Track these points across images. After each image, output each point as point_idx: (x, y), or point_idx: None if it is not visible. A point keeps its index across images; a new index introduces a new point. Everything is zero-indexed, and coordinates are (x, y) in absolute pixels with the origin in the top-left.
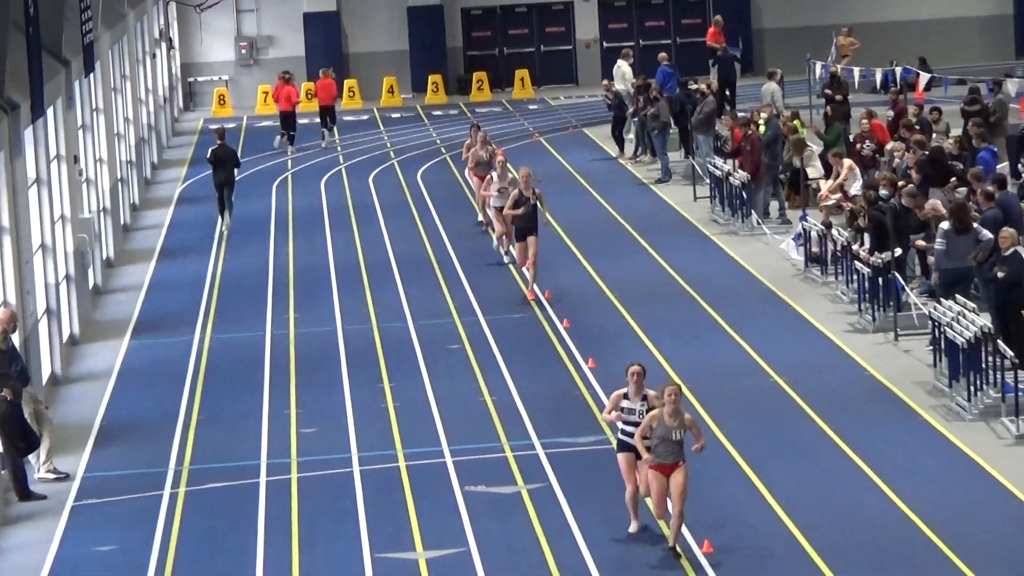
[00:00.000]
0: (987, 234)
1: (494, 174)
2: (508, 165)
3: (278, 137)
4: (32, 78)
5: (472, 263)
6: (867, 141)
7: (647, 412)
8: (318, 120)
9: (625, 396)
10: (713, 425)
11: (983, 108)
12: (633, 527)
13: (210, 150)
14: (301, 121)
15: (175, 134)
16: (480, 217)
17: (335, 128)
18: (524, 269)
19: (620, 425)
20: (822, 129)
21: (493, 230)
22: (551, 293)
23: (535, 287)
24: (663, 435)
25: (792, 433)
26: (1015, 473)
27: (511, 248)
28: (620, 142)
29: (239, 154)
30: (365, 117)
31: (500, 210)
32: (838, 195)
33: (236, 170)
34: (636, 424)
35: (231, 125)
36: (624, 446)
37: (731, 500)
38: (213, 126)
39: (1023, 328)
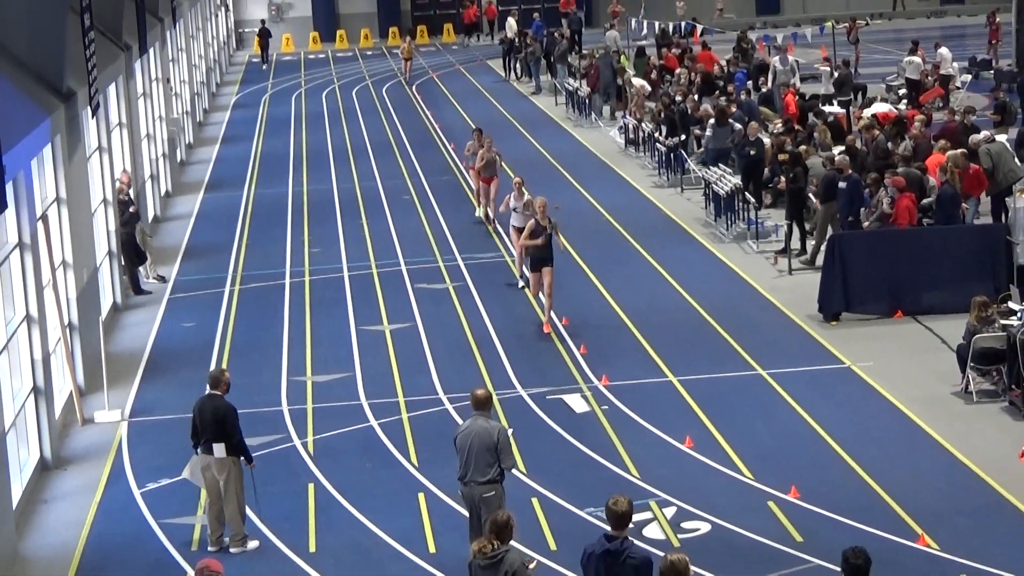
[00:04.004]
0: (739, 126)
1: (511, 196)
2: (524, 188)
3: (462, 38)
4: (139, 29)
5: (418, 145)
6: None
7: None
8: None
9: None
10: (571, 248)
11: (751, 46)
12: None
13: (257, 30)
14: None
15: (230, 64)
16: (478, 213)
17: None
18: (541, 296)
19: None
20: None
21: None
22: (568, 319)
23: (552, 315)
24: None
25: (617, 251)
26: (753, 272)
27: (525, 270)
28: (507, 70)
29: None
30: (350, 54)
31: (518, 230)
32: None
33: (269, 39)
34: None
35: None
36: None
37: (581, 295)
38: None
39: (760, 186)
